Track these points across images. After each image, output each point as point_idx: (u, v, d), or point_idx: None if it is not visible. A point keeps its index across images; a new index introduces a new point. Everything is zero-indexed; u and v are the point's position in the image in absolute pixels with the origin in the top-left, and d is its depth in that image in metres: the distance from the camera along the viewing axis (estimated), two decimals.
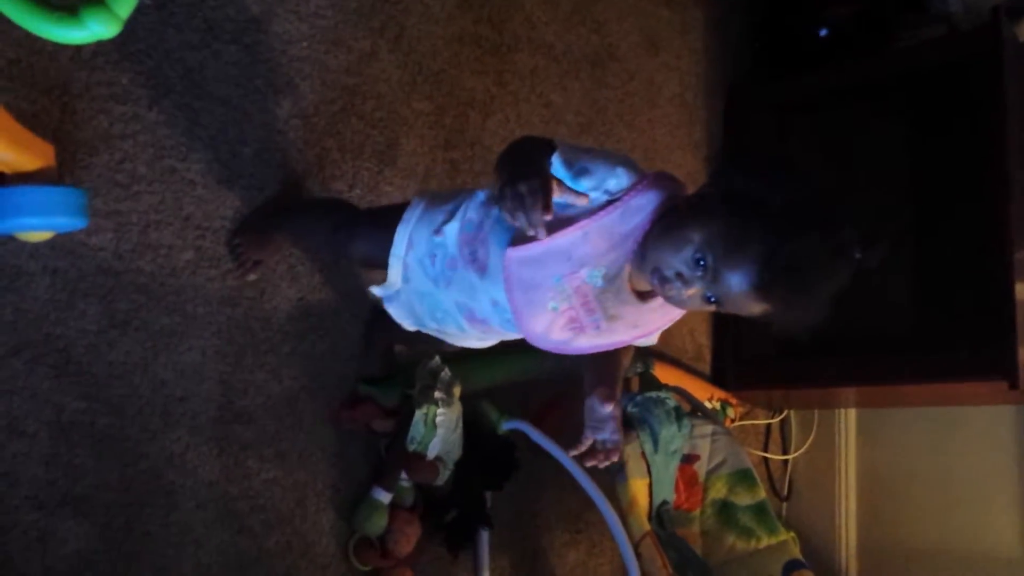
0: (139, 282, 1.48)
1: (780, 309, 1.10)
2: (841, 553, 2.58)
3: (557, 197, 1.05)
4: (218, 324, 1.56)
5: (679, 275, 1.10)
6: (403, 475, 1.69)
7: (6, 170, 1.27)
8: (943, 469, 2.46)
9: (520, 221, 1.03)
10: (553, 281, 1.17)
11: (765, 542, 1.95)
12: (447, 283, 1.30)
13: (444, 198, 1.33)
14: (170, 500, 1.49)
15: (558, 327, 1.22)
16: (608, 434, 1.24)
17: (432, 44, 1.93)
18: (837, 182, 2.30)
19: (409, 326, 1.45)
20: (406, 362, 1.75)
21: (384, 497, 1.68)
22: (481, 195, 1.28)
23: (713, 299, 1.11)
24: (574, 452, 1.27)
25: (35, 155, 1.27)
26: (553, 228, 1.11)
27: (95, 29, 0.86)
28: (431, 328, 1.43)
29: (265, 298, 1.63)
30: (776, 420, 2.65)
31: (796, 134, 2.47)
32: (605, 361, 1.27)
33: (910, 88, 2.33)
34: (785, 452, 2.67)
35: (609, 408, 1.23)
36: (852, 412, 2.62)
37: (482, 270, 1.24)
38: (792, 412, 2.67)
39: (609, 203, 1.15)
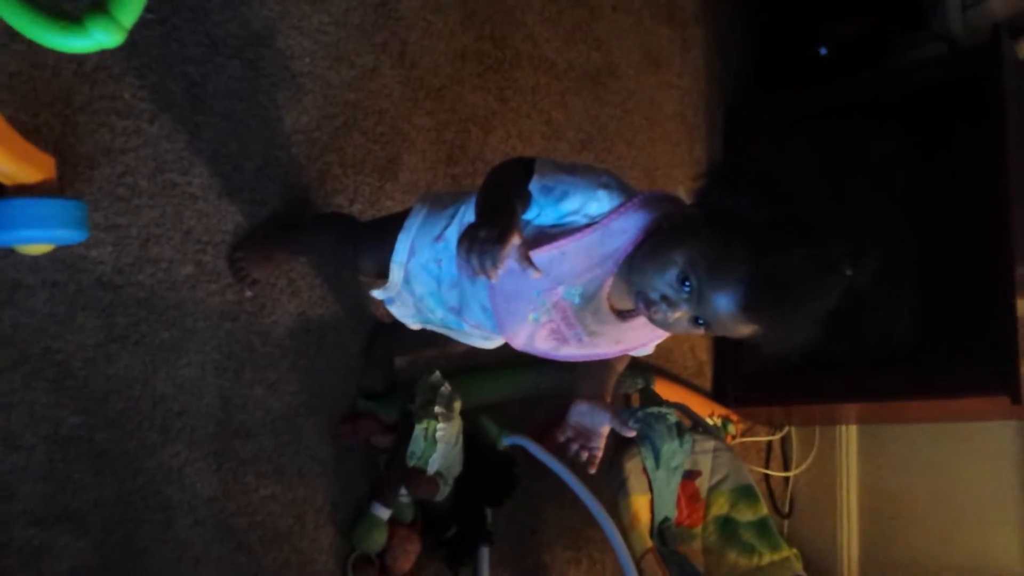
0: (139, 296, 1.47)
1: (768, 329, 1.08)
2: (843, 570, 2.56)
3: (512, 256, 1.02)
4: (218, 338, 1.56)
5: (664, 298, 1.09)
6: (403, 491, 1.68)
7: (6, 182, 1.26)
8: (945, 485, 2.45)
9: (471, 265, 1.00)
10: (533, 294, 1.18)
11: (767, 559, 1.93)
12: (452, 284, 1.30)
13: (445, 203, 1.32)
14: (168, 516, 1.48)
15: (541, 337, 1.23)
16: (594, 443, 1.23)
17: (434, 60, 1.93)
18: (836, 199, 2.29)
19: (414, 324, 1.45)
20: (406, 377, 1.74)
21: (383, 513, 1.67)
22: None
23: (701, 321, 1.10)
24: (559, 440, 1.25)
25: (36, 168, 1.27)
26: (533, 244, 1.11)
27: (99, 38, 0.86)
28: (436, 324, 1.43)
29: (265, 312, 1.62)
30: (777, 437, 2.64)
31: (797, 151, 2.47)
32: (597, 368, 1.28)
33: (911, 105, 2.33)
34: (786, 469, 2.66)
35: (604, 428, 1.22)
36: (853, 428, 2.62)
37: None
38: (793, 429, 2.66)
39: (588, 225, 1.14)
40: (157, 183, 1.51)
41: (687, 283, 1.07)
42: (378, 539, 1.67)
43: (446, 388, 1.67)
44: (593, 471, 1.25)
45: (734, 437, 2.43)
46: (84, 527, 1.40)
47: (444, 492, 1.69)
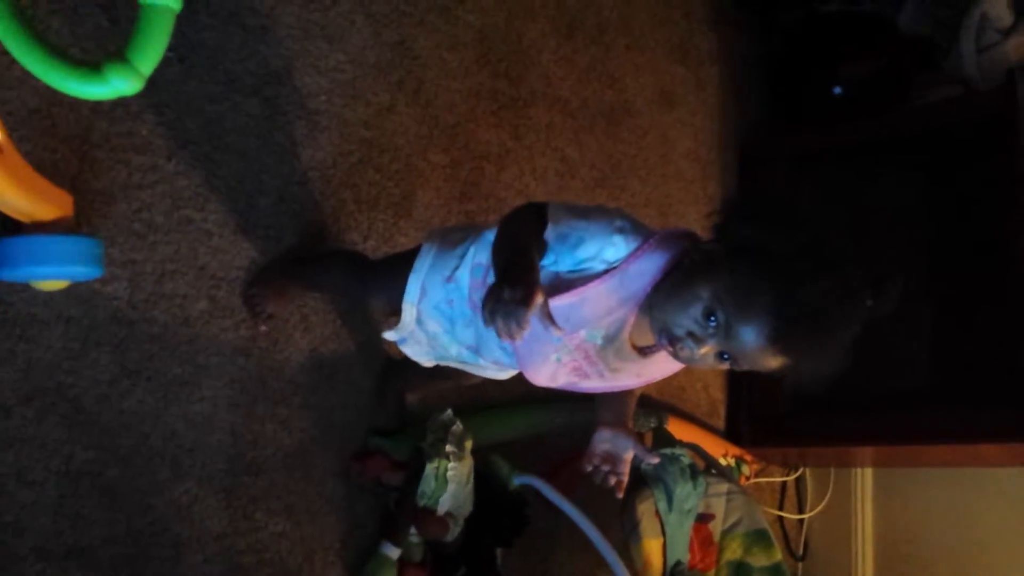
0: (152, 332, 1.48)
1: (796, 361, 1.07)
2: None
3: (536, 316, 1.02)
4: (230, 375, 1.56)
5: (690, 334, 1.08)
6: (412, 530, 1.66)
7: (24, 219, 1.27)
8: (962, 531, 2.41)
9: (496, 328, 1.00)
10: (555, 339, 1.16)
11: None
12: (466, 323, 1.29)
13: (454, 240, 1.32)
14: (176, 553, 1.47)
15: (563, 374, 1.23)
16: (620, 468, 1.23)
17: (449, 98, 1.94)
18: (851, 239, 2.29)
19: (428, 362, 1.45)
20: (418, 414, 1.73)
21: (393, 552, 1.66)
22: (489, 236, 1.26)
23: (726, 356, 1.09)
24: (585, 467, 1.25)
25: (53, 204, 1.27)
26: (551, 291, 1.11)
27: (117, 86, 0.87)
28: (451, 360, 1.42)
29: (278, 348, 1.62)
30: (792, 478, 2.61)
31: (811, 191, 2.47)
32: (616, 397, 1.28)
33: (926, 146, 2.33)
34: (801, 511, 2.63)
35: (628, 454, 1.22)
36: (869, 471, 2.59)
37: None
38: (808, 470, 2.63)
39: (607, 271, 1.13)
40: (173, 219, 1.52)
41: (713, 318, 1.06)
42: None
43: (458, 427, 1.66)
44: (620, 495, 1.25)
45: (748, 477, 2.41)
46: (93, 563, 1.39)
47: (454, 532, 1.68)
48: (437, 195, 1.89)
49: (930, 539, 2.45)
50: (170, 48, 1.51)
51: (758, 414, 2.38)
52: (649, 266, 1.13)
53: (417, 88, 1.89)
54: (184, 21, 1.54)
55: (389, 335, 1.40)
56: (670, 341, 1.10)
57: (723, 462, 2.25)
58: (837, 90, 2.58)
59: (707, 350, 1.09)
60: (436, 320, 1.33)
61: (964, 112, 2.30)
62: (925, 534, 2.46)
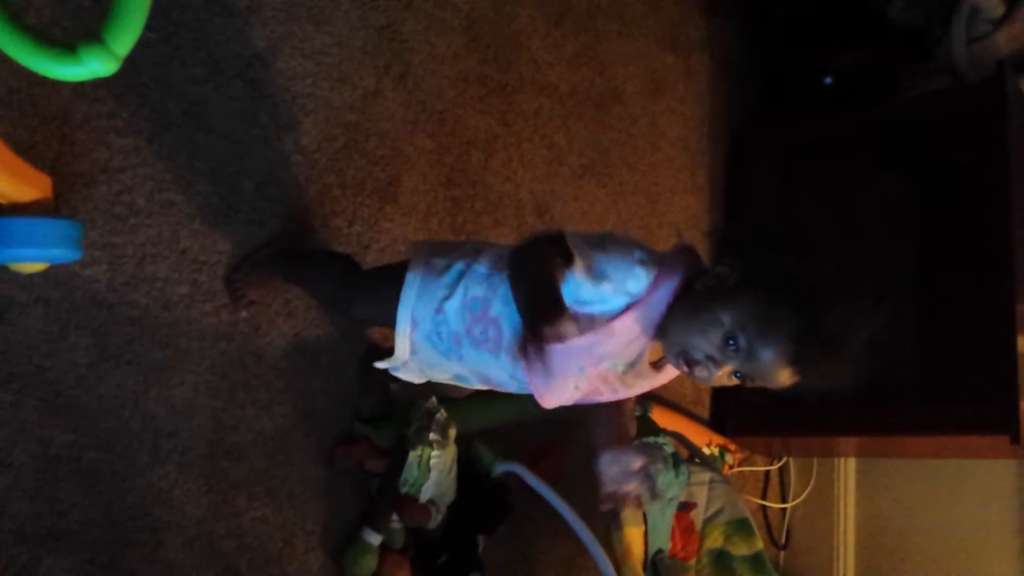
0: (132, 315, 1.47)
1: (811, 378, 1.12)
2: None
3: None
4: (211, 359, 1.55)
5: (709, 357, 1.11)
6: (394, 517, 1.66)
7: (2, 200, 1.26)
8: (943, 521, 2.42)
9: (533, 368, 1.00)
10: (576, 371, 1.19)
11: None
12: (458, 358, 1.30)
13: (438, 268, 1.30)
14: (156, 537, 1.47)
15: (576, 397, 1.25)
16: (637, 483, 1.24)
17: (437, 83, 1.93)
18: (838, 229, 2.29)
19: (418, 380, 1.44)
20: (402, 402, 1.73)
21: (374, 539, 1.65)
22: (482, 268, 1.26)
23: (739, 375, 1.13)
24: (606, 507, 1.27)
25: (32, 186, 1.26)
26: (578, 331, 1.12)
27: (93, 67, 0.85)
28: (445, 380, 1.42)
29: (260, 333, 1.61)
30: (775, 467, 2.62)
31: (799, 179, 2.47)
32: (608, 415, 1.28)
33: (915, 138, 2.33)
34: (784, 500, 2.64)
35: (636, 464, 1.24)
36: (852, 461, 2.60)
37: (497, 348, 1.24)
38: (791, 460, 2.64)
39: (631, 306, 1.15)
40: (154, 202, 1.50)
41: (732, 342, 1.09)
42: (368, 564, 1.65)
43: (442, 415, 1.66)
44: (644, 508, 1.29)
45: (731, 467, 2.42)
46: (72, 547, 1.38)
47: (437, 520, 1.68)
48: (423, 181, 1.88)
49: (911, 528, 2.47)
50: (152, 29, 1.51)
51: (743, 403, 2.39)
52: (665, 292, 1.15)
53: (404, 72, 1.87)
54: (167, 1, 1.52)
55: (381, 364, 1.39)
56: (688, 363, 1.13)
57: (707, 451, 2.26)
58: (827, 80, 2.58)
59: (726, 371, 1.13)
60: (429, 349, 1.32)
61: (954, 104, 2.30)
62: (906, 524, 2.48)
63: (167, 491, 1.49)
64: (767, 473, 2.61)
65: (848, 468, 2.59)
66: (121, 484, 1.44)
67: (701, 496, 1.98)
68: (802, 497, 2.62)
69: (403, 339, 1.32)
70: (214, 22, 1.59)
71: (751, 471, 2.57)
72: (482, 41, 2.03)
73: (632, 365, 1.20)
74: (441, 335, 1.29)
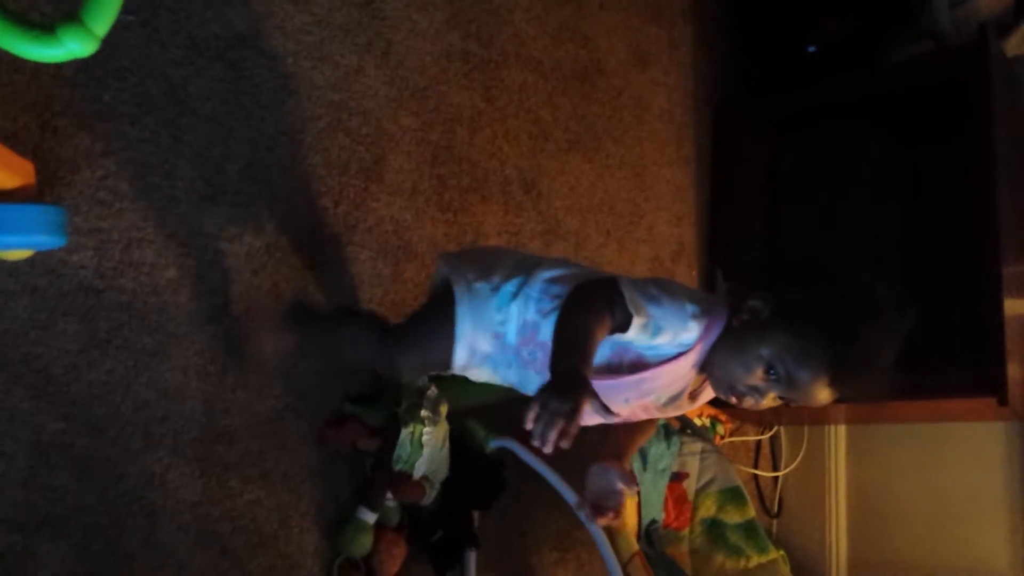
0: (121, 300, 1.46)
1: (853, 392, 1.22)
2: (831, 570, 2.56)
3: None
4: (201, 343, 1.54)
5: (754, 388, 1.20)
6: (389, 495, 1.67)
7: None
8: (933, 486, 2.45)
9: (535, 437, 1.05)
10: (622, 402, 1.28)
11: (755, 561, 1.93)
12: (503, 376, 1.38)
13: (486, 292, 1.34)
14: (151, 522, 1.47)
15: (614, 419, 1.33)
16: (613, 503, 1.34)
17: (419, 60, 1.92)
18: (823, 198, 2.29)
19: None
20: (392, 380, 1.73)
21: (369, 517, 1.66)
22: (533, 292, 1.31)
23: (784, 399, 1.22)
24: (579, 511, 1.37)
25: (14, 173, 1.25)
26: (631, 369, 1.23)
27: (71, 47, 0.85)
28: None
29: (249, 317, 1.61)
30: (766, 436, 2.64)
31: (784, 149, 2.47)
32: (625, 432, 1.38)
33: (899, 104, 2.33)
34: (775, 469, 2.66)
35: (619, 485, 1.34)
36: (842, 428, 2.62)
37: (543, 369, 1.28)
38: (782, 428, 2.66)
39: (681, 353, 1.23)
40: (139, 186, 1.49)
41: (773, 371, 1.18)
42: (364, 543, 1.66)
43: (433, 392, 1.66)
44: (617, 522, 1.39)
45: (723, 437, 2.43)
46: (66, 533, 1.39)
47: (431, 496, 1.69)
48: (408, 159, 1.87)
49: (902, 493, 2.50)
50: (131, 11, 1.49)
51: None
52: (712, 337, 1.24)
53: (386, 50, 1.86)
54: None
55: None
56: (737, 397, 1.23)
57: (698, 422, 2.27)
58: (811, 48, 2.57)
59: (769, 397, 1.22)
60: (482, 368, 1.39)
61: (937, 69, 2.30)
62: (897, 489, 2.51)
63: (160, 475, 1.49)
64: (758, 442, 2.63)
65: (838, 435, 2.61)
66: (114, 470, 1.44)
67: (693, 466, 1.99)
68: (793, 465, 2.64)
69: (460, 368, 1.39)
70: (194, 3, 1.57)
71: (742, 440, 2.58)
72: (464, 16, 2.02)
73: (674, 399, 1.29)
74: (495, 359, 1.36)
